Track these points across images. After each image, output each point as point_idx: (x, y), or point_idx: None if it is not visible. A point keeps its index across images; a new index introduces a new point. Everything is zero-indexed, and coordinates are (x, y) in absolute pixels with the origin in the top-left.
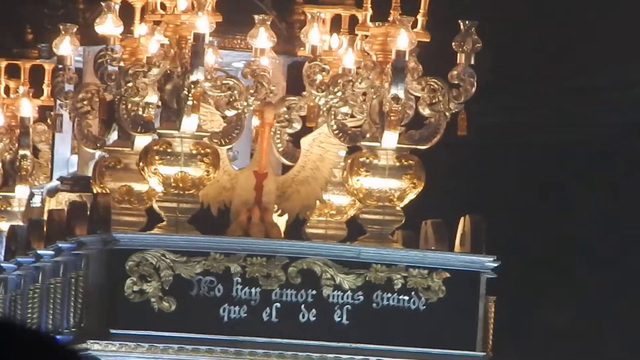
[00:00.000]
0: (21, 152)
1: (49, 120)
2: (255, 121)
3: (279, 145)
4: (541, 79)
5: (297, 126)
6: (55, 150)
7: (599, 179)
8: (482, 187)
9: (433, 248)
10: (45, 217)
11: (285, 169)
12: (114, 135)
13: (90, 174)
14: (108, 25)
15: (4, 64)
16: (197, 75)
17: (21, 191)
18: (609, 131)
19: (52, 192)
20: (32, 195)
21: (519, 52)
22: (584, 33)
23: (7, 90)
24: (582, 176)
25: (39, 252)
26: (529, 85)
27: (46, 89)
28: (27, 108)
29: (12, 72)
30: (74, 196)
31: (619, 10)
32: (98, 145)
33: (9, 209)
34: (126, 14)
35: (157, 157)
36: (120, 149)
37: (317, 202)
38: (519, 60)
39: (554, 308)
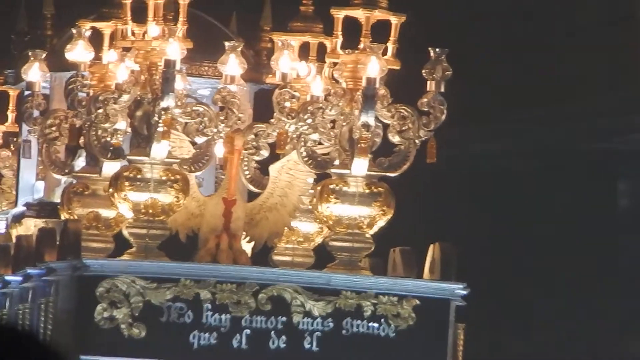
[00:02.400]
0: None
1: (12, 146)
2: (220, 148)
3: (247, 172)
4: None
5: (265, 153)
6: (20, 176)
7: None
8: (451, 215)
9: (401, 276)
10: (12, 242)
11: (251, 196)
12: (79, 162)
13: (56, 200)
14: (79, 52)
15: None
16: (168, 102)
17: None
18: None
19: (17, 218)
20: None
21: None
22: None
23: None
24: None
25: (7, 278)
26: (500, 113)
27: (10, 115)
28: None
29: None
30: (40, 222)
31: (584, 41)
32: (66, 171)
33: None
34: (94, 40)
35: (127, 184)
36: (88, 175)
37: (285, 229)
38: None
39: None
